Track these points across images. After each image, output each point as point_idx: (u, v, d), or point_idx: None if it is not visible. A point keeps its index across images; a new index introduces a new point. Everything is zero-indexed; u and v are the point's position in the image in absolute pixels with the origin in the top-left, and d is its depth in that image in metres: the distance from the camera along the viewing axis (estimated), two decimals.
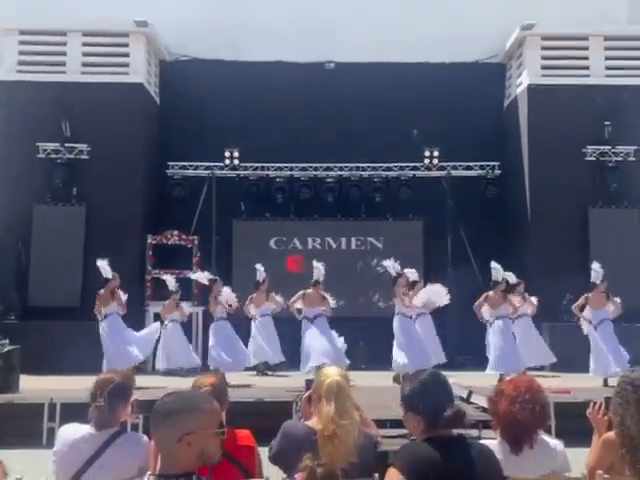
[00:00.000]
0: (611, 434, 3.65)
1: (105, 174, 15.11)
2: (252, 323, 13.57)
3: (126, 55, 16.16)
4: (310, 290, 12.21)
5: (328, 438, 3.06)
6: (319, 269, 12.38)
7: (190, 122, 16.36)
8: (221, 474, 3.13)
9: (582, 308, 11.90)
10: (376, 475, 3.32)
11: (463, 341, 14.11)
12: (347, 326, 12.56)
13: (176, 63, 17.53)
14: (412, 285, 12.43)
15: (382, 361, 12.47)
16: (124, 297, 11.76)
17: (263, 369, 13.64)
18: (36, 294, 14.74)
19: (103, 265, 11.59)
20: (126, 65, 16.12)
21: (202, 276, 13.20)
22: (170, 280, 13.97)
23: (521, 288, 12.91)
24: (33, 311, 14.46)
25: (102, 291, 11.48)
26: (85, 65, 16.05)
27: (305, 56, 16.42)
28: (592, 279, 11.84)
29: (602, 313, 11.68)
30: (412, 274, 12.63)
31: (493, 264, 12.11)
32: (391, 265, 12.57)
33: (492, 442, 3.39)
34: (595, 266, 11.87)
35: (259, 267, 13.59)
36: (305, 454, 3.00)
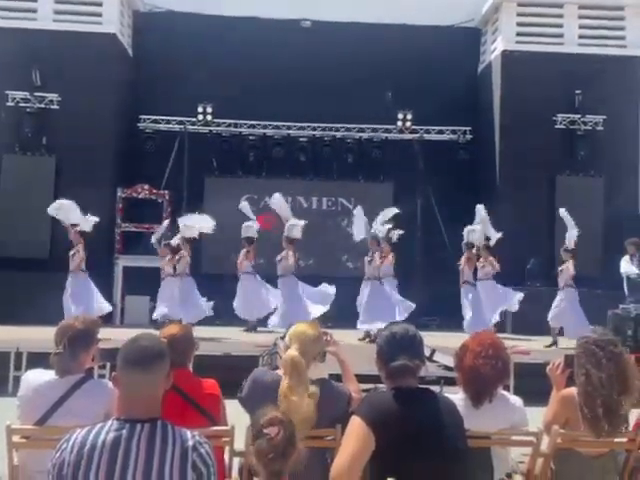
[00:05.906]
0: (569, 390, 3.77)
1: (75, 125, 14.83)
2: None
3: (99, 4, 15.80)
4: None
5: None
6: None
7: (163, 75, 15.99)
8: (186, 421, 3.20)
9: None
10: (339, 426, 3.41)
11: (429, 303, 14.26)
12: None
13: (150, 15, 17.19)
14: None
15: (349, 320, 12.60)
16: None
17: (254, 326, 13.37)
18: (4, 245, 14.57)
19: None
20: (99, 14, 15.76)
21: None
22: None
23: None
24: (1, 262, 14.33)
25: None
26: (57, 13, 15.66)
27: (283, 12, 16.20)
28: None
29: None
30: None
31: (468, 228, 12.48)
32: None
33: (454, 396, 3.48)
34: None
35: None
36: (270, 401, 3.08)
